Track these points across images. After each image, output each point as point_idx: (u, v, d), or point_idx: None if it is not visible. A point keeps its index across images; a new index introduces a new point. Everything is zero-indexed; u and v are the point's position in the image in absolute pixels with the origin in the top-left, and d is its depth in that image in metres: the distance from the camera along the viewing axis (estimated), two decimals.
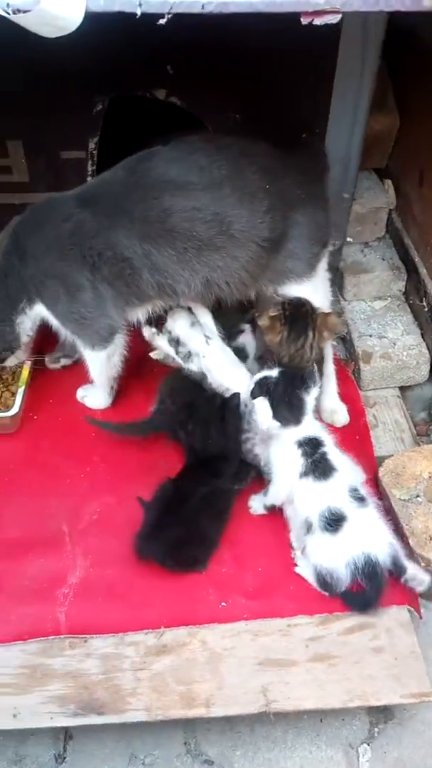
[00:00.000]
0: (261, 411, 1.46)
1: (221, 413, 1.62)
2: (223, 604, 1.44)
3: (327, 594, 1.44)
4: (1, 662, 1.34)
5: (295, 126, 1.90)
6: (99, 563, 1.51)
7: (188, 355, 1.73)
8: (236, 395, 1.62)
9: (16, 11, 0.99)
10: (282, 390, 1.46)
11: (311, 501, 1.45)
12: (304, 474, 1.47)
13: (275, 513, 1.60)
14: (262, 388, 1.47)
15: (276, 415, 1.44)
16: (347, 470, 1.50)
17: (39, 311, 1.70)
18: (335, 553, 1.41)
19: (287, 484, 1.49)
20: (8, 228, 1.72)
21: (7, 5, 0.98)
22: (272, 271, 1.64)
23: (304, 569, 1.49)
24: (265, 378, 1.49)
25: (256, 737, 1.38)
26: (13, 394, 1.86)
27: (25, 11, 0.94)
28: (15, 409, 1.74)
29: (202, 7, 1.00)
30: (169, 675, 1.33)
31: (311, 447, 1.48)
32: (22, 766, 1.36)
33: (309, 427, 1.50)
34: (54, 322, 1.70)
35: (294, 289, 1.67)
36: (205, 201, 1.50)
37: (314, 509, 1.44)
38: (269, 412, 1.44)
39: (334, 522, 1.41)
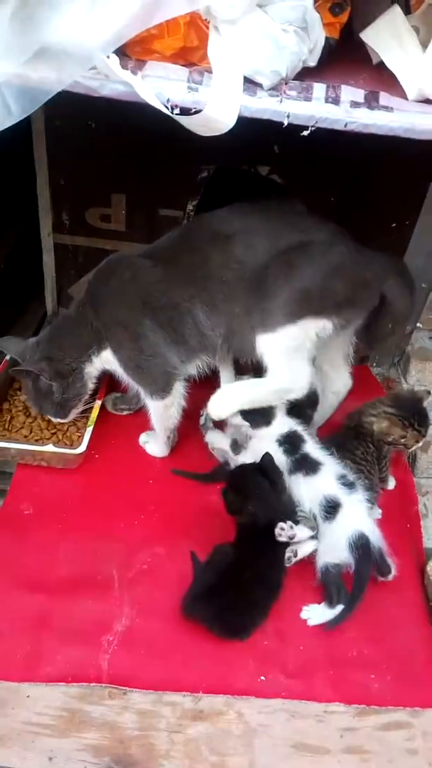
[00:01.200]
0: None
1: (263, 476, 1.64)
2: (262, 678, 1.45)
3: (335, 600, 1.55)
4: (44, 702, 1.36)
5: (387, 215, 1.98)
6: (144, 615, 1.53)
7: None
8: (267, 454, 1.65)
9: (174, 107, 1.08)
10: None
11: (307, 496, 1.63)
12: (292, 471, 1.66)
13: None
14: None
15: (247, 418, 1.73)
16: (331, 461, 1.68)
17: (106, 358, 1.80)
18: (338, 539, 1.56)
19: None
20: (85, 280, 1.88)
21: (168, 100, 1.07)
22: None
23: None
24: None
25: None
26: (79, 429, 1.93)
27: (192, 113, 1.02)
28: (82, 448, 1.79)
29: (345, 125, 1.08)
30: (203, 742, 1.34)
31: (291, 445, 1.70)
32: None
33: (283, 426, 1.73)
34: (118, 370, 1.80)
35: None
36: (235, 251, 1.66)
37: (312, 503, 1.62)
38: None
39: (331, 509, 1.59)
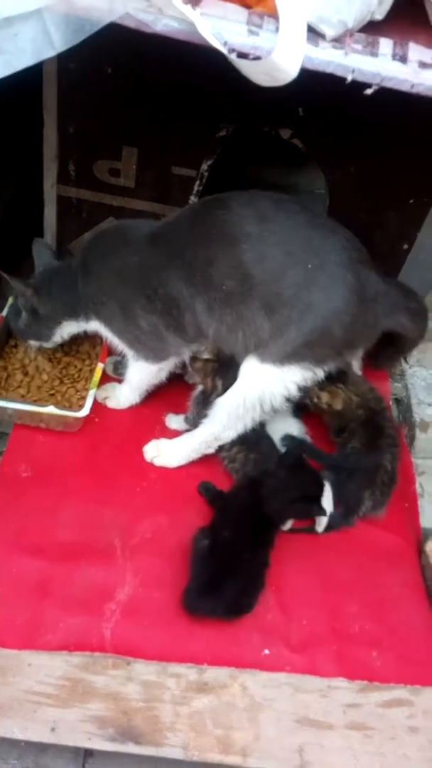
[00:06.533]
0: None
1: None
2: (266, 651, 1.44)
3: None
4: (45, 670, 1.32)
5: (406, 191, 1.94)
6: (148, 584, 1.50)
7: None
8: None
9: (232, 51, 1.00)
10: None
11: None
12: None
13: (324, 563, 1.62)
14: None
15: None
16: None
17: (93, 326, 1.76)
18: None
19: None
20: (83, 241, 1.80)
21: (225, 43, 0.99)
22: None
23: None
24: None
25: None
26: (78, 392, 1.86)
27: (250, 58, 0.95)
28: (85, 411, 1.72)
29: (411, 86, 1.02)
30: (208, 715, 1.32)
31: None
32: None
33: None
34: (110, 336, 1.75)
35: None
36: (243, 260, 1.52)
37: None
38: None
39: None
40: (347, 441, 1.81)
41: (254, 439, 1.72)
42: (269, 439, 1.78)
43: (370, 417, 1.83)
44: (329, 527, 1.68)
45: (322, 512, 1.62)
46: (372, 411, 1.84)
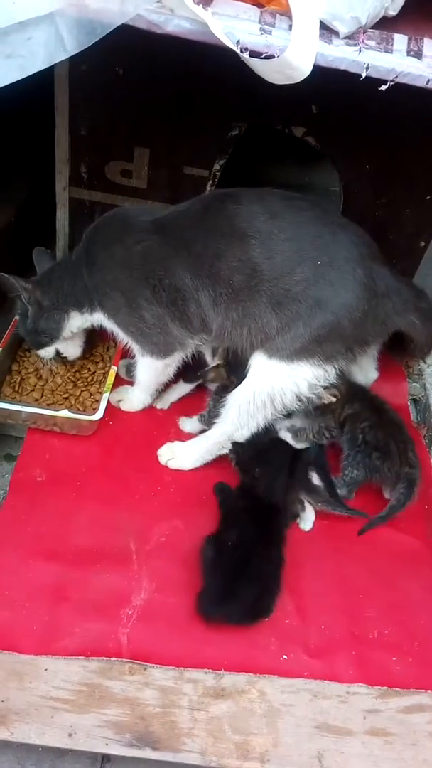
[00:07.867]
0: None
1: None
2: (284, 656, 1.42)
3: None
4: (62, 676, 1.31)
5: (423, 187, 1.91)
6: (164, 589, 1.49)
7: None
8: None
9: (244, 50, 0.98)
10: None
11: None
12: None
13: (343, 567, 1.60)
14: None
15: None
16: None
17: (98, 318, 1.75)
18: None
19: None
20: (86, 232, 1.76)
21: (237, 42, 0.98)
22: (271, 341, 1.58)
23: None
24: None
25: None
26: (92, 395, 1.86)
27: (263, 57, 0.93)
28: (99, 414, 1.72)
29: (427, 82, 1.00)
30: (226, 721, 1.31)
31: None
32: None
33: None
34: (114, 329, 1.74)
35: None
36: (252, 255, 1.52)
37: None
38: None
39: None
40: (355, 425, 1.78)
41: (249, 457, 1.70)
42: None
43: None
44: (397, 508, 1.69)
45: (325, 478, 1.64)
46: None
